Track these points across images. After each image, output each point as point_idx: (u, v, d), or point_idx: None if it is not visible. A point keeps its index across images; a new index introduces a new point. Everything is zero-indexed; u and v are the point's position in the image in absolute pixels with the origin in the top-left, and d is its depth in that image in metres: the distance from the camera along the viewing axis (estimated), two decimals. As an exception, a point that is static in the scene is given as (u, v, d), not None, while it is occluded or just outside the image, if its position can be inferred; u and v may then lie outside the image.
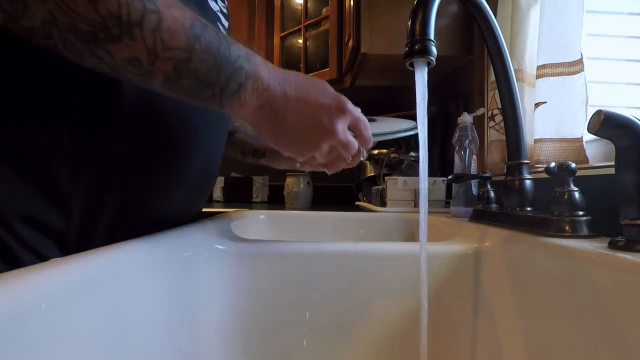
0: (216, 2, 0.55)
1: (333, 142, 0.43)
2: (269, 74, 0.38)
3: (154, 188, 0.46)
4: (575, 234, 0.41)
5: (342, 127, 0.42)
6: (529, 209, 0.52)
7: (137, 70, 0.32)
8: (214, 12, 0.54)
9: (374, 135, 0.48)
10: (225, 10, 0.59)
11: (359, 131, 0.45)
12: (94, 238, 0.41)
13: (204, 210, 0.68)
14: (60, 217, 0.39)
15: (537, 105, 0.68)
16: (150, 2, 0.30)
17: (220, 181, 1.94)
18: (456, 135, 0.79)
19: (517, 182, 0.52)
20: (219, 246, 0.47)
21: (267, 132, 0.41)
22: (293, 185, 1.69)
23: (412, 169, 1.20)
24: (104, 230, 0.42)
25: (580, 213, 0.42)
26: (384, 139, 0.50)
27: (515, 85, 0.54)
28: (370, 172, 1.44)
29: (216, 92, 0.35)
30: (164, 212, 0.49)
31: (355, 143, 0.45)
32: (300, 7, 1.77)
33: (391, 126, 0.49)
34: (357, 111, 0.44)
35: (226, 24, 0.58)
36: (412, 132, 0.49)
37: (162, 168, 0.46)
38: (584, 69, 0.63)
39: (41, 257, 0.38)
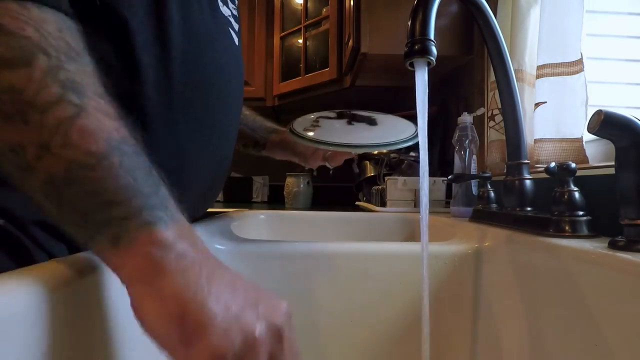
0: (227, 7, 0.54)
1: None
2: (184, 239, 0.26)
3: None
4: (575, 234, 0.41)
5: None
6: (528, 208, 0.52)
7: (17, 161, 0.24)
8: (225, 17, 0.53)
9: (370, 146, 0.45)
10: (236, 12, 0.58)
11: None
12: None
13: (203, 210, 0.68)
14: None
15: (537, 105, 0.68)
16: (74, 95, 0.25)
17: (220, 181, 1.94)
18: (456, 135, 0.79)
19: (517, 182, 0.52)
20: (219, 246, 0.47)
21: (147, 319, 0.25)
22: (293, 185, 1.69)
23: (412, 169, 1.20)
24: None
25: (580, 213, 0.42)
26: (382, 149, 0.48)
27: (515, 85, 0.54)
28: (370, 172, 1.44)
29: (116, 217, 0.24)
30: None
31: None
32: (300, 7, 1.77)
33: (390, 134, 0.47)
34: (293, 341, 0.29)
35: (237, 27, 0.57)
36: (411, 143, 0.47)
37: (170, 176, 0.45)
38: (584, 69, 0.63)
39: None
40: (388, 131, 0.48)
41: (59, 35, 0.26)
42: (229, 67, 0.51)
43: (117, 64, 0.39)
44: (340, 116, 0.51)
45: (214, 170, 0.52)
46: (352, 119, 0.51)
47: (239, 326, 0.24)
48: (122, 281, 0.24)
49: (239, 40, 0.56)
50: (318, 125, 0.48)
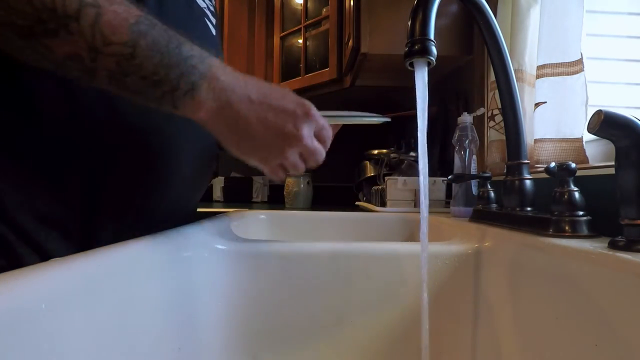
0: (203, 0, 0.56)
1: (299, 149, 0.40)
2: (228, 75, 0.36)
3: (139, 192, 0.46)
4: (575, 234, 0.41)
5: (308, 133, 0.40)
6: (528, 209, 0.52)
7: (79, 66, 0.31)
8: (201, 9, 0.54)
9: (337, 117, 0.48)
10: (212, 8, 0.59)
11: (322, 140, 0.42)
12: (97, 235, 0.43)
13: (204, 210, 0.68)
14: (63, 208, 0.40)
15: (537, 105, 0.68)
16: None
17: (220, 181, 1.94)
18: (456, 135, 0.79)
19: (517, 182, 0.52)
20: (219, 246, 0.47)
21: (228, 137, 0.38)
22: (293, 185, 1.69)
23: (412, 169, 1.20)
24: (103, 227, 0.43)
25: (580, 213, 0.42)
26: (346, 122, 0.49)
27: (515, 85, 0.54)
28: (370, 172, 1.44)
29: (166, 91, 0.33)
30: (161, 207, 0.49)
31: (321, 150, 0.42)
32: (300, 7, 1.77)
33: (354, 114, 0.50)
34: (322, 119, 0.42)
35: (214, 20, 0.58)
36: (374, 120, 0.49)
37: (151, 167, 0.46)
38: (584, 69, 0.63)
39: (43, 250, 0.39)
40: (363, 116, 0.52)
41: None
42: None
43: None
44: None
45: (196, 160, 0.54)
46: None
47: (278, 140, 0.38)
48: (201, 124, 0.36)
49: (216, 32, 0.58)
50: None
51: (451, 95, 1.23)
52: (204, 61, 0.35)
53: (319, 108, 0.42)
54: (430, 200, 0.94)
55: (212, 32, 0.56)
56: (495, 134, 0.82)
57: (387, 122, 0.51)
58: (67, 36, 0.29)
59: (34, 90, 0.38)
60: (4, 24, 0.28)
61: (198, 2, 0.54)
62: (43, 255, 0.39)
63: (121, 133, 0.43)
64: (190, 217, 0.59)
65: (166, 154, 0.47)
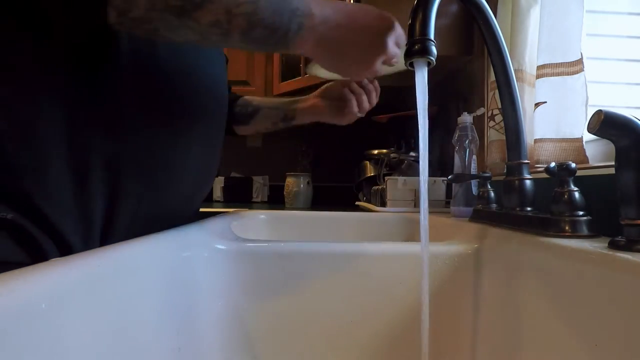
0: None
1: (385, 58, 0.47)
2: (321, 9, 0.43)
3: (153, 184, 0.47)
4: (575, 234, 0.41)
5: (391, 43, 0.47)
6: (528, 208, 0.52)
7: (220, 30, 0.37)
8: None
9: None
10: None
11: (400, 45, 0.49)
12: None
13: (204, 210, 0.68)
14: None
15: (537, 105, 0.68)
16: None
17: (220, 181, 1.94)
18: (456, 135, 0.79)
19: (517, 182, 0.52)
20: (219, 246, 0.47)
21: (327, 62, 0.47)
22: (293, 185, 1.69)
23: (412, 169, 1.20)
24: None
25: (580, 213, 0.42)
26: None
27: (515, 85, 0.54)
28: (370, 172, 1.44)
29: (281, 35, 0.40)
30: (161, 210, 0.50)
31: (399, 54, 0.48)
32: (300, 7, 1.77)
33: None
34: (399, 27, 0.48)
35: None
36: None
37: (164, 161, 0.47)
38: (584, 69, 0.63)
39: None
40: None
41: None
42: (211, 55, 0.55)
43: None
44: None
45: (203, 157, 0.55)
46: None
47: (368, 54, 0.47)
48: (308, 57, 0.47)
49: None
50: None
51: (451, 95, 1.23)
52: (301, 0, 0.42)
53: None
54: (430, 200, 0.94)
55: None
56: (495, 134, 0.82)
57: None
58: (210, 5, 0.36)
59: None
60: (164, 9, 0.35)
61: None
62: (66, 250, 0.40)
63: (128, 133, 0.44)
64: (195, 216, 0.60)
65: (178, 149, 0.49)
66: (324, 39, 0.43)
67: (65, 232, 0.40)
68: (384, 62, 0.48)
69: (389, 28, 0.46)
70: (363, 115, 0.67)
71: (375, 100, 0.68)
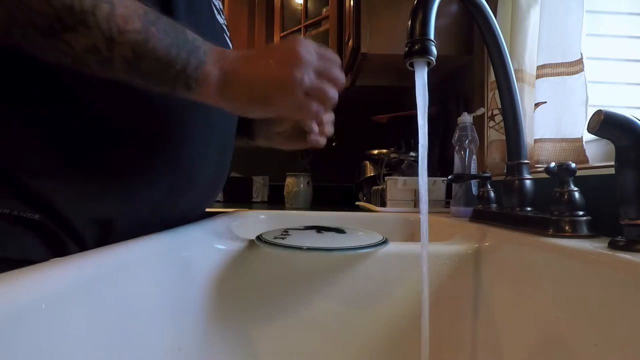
0: (221, 16, 0.59)
1: (305, 92, 0.40)
2: (227, 52, 0.39)
3: (165, 192, 0.48)
4: (575, 234, 0.41)
5: (303, 75, 0.39)
6: (528, 208, 0.52)
7: (98, 58, 0.33)
8: (220, 25, 0.57)
9: (344, 249, 0.46)
10: (226, 23, 0.62)
11: (326, 74, 0.42)
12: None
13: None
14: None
15: (537, 105, 0.68)
16: None
17: (220, 181, 1.94)
18: (456, 135, 0.79)
19: (517, 182, 0.52)
20: (218, 246, 0.47)
21: (243, 106, 0.40)
22: (293, 185, 1.69)
23: (412, 169, 1.20)
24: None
25: (580, 213, 0.42)
26: (348, 254, 0.47)
27: (515, 85, 0.54)
28: (370, 172, 1.44)
29: (179, 70, 0.35)
30: (174, 214, 0.50)
31: (327, 86, 0.42)
32: (300, 7, 1.77)
33: (361, 240, 0.48)
34: (314, 59, 0.40)
35: (228, 34, 0.62)
36: (385, 245, 0.49)
37: (176, 173, 0.48)
38: (584, 69, 0.63)
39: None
40: (359, 238, 0.50)
41: None
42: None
43: None
44: (308, 228, 0.54)
45: (218, 162, 0.56)
46: (321, 230, 0.54)
47: (293, 86, 0.39)
48: (213, 104, 0.39)
49: (232, 46, 0.63)
50: (288, 234, 0.49)
51: (451, 95, 1.23)
52: (205, 42, 0.38)
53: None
54: (430, 200, 0.94)
55: (230, 48, 0.59)
56: (495, 134, 0.82)
57: (382, 242, 0.50)
58: (86, 30, 0.31)
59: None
60: (26, 25, 0.30)
61: (217, 18, 0.56)
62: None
63: (149, 137, 0.45)
64: (197, 219, 0.60)
65: (194, 155, 0.50)
66: (232, 76, 0.38)
67: (84, 236, 0.42)
68: (309, 95, 0.41)
69: (295, 59, 0.39)
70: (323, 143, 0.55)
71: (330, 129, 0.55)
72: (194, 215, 0.58)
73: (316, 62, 0.41)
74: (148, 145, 0.45)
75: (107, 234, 0.43)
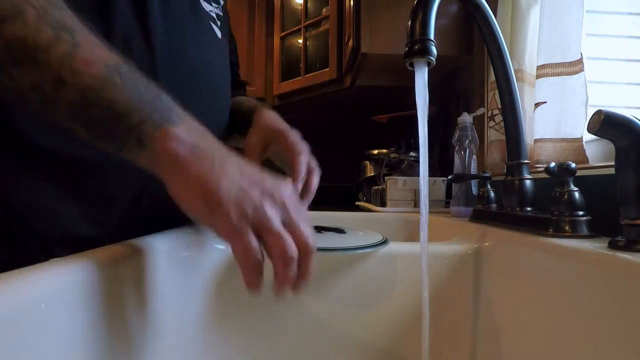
0: (210, 4, 0.56)
1: (265, 230, 0.31)
2: (203, 131, 0.33)
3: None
4: (575, 234, 0.41)
5: (273, 214, 0.31)
6: (528, 208, 0.51)
7: (41, 97, 0.29)
8: (207, 12, 0.55)
9: (335, 249, 0.45)
10: (219, 12, 0.59)
11: (297, 236, 0.33)
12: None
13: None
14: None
15: (537, 105, 0.68)
16: (67, 33, 0.29)
17: (220, 181, 1.93)
18: (456, 135, 0.79)
19: (517, 182, 0.52)
20: (218, 246, 0.47)
21: (199, 189, 0.30)
22: (293, 185, 1.69)
23: (412, 169, 1.20)
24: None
25: (580, 213, 0.42)
26: (348, 254, 0.46)
27: (515, 85, 0.54)
28: (370, 172, 1.44)
29: (134, 124, 0.30)
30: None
31: (291, 244, 0.33)
32: (300, 7, 1.77)
33: (361, 240, 0.47)
34: (299, 216, 0.33)
35: (219, 23, 0.58)
36: (385, 246, 0.48)
37: None
38: (584, 69, 0.63)
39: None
40: (359, 238, 0.49)
41: None
42: (213, 57, 0.53)
43: None
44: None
45: None
46: (321, 230, 0.53)
47: (249, 199, 0.30)
48: (157, 174, 0.31)
49: (222, 34, 0.59)
50: None
51: (451, 95, 1.23)
52: (182, 110, 0.32)
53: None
54: (430, 200, 0.94)
55: (217, 36, 0.57)
56: (495, 134, 0.82)
57: (382, 242, 0.49)
58: (32, 65, 0.28)
59: None
60: None
61: (203, 5, 0.54)
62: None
63: None
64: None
65: None
66: (200, 151, 0.30)
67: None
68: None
69: (272, 197, 0.32)
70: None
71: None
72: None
73: (291, 214, 0.32)
74: None
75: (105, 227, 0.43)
